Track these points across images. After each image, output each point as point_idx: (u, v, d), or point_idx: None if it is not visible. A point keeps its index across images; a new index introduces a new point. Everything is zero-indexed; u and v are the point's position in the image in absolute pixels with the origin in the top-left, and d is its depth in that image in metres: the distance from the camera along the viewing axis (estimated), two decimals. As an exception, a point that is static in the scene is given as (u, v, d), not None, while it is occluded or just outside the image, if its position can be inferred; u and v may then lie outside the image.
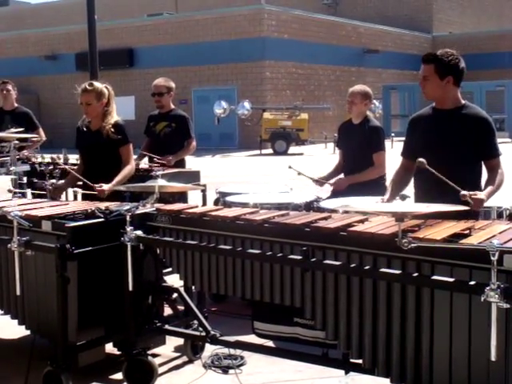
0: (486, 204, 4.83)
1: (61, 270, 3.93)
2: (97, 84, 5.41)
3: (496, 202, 4.95)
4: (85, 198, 5.38)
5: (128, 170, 5.41)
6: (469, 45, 38.79)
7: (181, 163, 7.01)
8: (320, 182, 6.08)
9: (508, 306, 2.69)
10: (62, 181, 5.82)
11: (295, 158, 22.36)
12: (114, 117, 5.40)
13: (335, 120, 30.22)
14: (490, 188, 4.08)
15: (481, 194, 3.91)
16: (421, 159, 3.90)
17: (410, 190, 4.46)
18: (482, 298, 2.71)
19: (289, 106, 27.68)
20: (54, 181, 5.69)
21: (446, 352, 2.96)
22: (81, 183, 5.58)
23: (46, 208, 4.51)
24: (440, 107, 4.29)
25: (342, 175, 6.10)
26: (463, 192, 3.73)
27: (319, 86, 32.84)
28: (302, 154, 25.37)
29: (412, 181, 4.48)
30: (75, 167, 6.03)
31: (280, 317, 4.01)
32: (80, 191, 5.31)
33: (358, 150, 5.92)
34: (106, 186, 5.14)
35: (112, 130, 5.32)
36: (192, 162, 8.92)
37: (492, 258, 2.67)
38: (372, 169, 5.86)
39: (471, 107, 4.28)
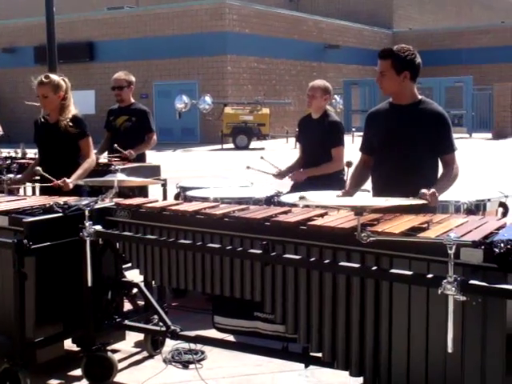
0: (443, 198, 4.91)
1: (18, 266, 3.87)
2: (53, 76, 5.35)
3: (454, 197, 5.02)
4: (43, 191, 5.30)
5: (89, 163, 5.36)
6: (428, 41, 39.27)
7: (141, 157, 6.98)
8: (279, 175, 6.11)
9: (464, 298, 2.73)
10: (19, 175, 5.74)
11: (256, 154, 22.38)
12: (72, 110, 5.34)
13: (296, 115, 30.25)
14: (442, 183, 4.12)
15: (432, 189, 3.94)
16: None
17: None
18: (440, 291, 2.74)
19: (250, 101, 27.68)
20: (11, 175, 5.61)
21: (405, 344, 2.99)
22: (38, 177, 5.51)
23: (2, 203, 4.44)
24: (397, 102, 4.32)
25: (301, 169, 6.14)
26: (423, 190, 3.76)
27: (280, 81, 32.91)
28: (263, 148, 25.38)
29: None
30: (33, 161, 5.95)
31: (240, 311, 4.02)
32: (38, 185, 5.22)
33: (317, 144, 5.97)
34: (68, 180, 5.09)
35: (70, 123, 5.25)
36: (153, 157, 8.87)
37: (449, 252, 2.70)
38: (330, 163, 5.91)
39: (428, 102, 4.31)
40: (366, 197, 4.39)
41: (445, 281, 2.73)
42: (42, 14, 15.39)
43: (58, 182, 5.05)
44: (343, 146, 5.95)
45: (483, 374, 2.78)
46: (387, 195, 3.65)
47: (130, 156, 6.68)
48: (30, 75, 5.49)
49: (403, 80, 4.19)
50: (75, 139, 5.31)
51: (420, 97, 4.31)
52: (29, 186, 6.71)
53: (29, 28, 33.09)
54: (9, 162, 6.99)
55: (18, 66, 32.66)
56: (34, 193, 6.61)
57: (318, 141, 5.96)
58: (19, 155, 7.29)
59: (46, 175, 5.11)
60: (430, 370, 2.93)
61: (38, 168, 5.18)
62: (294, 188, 5.98)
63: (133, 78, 7.16)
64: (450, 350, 2.76)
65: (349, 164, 5.54)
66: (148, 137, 7.06)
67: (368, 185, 4.53)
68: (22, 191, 5.86)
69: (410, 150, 4.19)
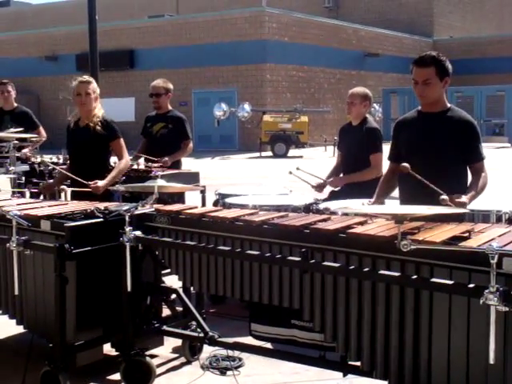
0: (484, 207, 4.85)
1: (59, 270, 3.92)
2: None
3: (495, 206, 4.96)
4: (75, 195, 5.38)
5: (123, 164, 5.44)
6: (469, 49, 38.88)
7: (177, 164, 7.02)
8: (319, 187, 6.09)
9: (507, 309, 2.69)
10: (51, 180, 5.84)
11: (295, 162, 22.36)
12: (101, 113, 5.46)
13: (335, 123, 30.25)
14: (472, 191, 4.08)
15: (463, 198, 3.90)
16: (404, 164, 3.92)
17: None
18: (481, 301, 2.71)
19: (289, 109, 27.68)
20: (51, 181, 5.71)
21: (445, 354, 2.96)
22: (69, 181, 5.59)
23: (45, 208, 4.50)
24: (426, 110, 4.29)
25: (341, 175, 6.13)
26: (443, 196, 3.73)
27: (319, 89, 32.85)
28: (301, 156, 25.37)
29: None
30: (65, 166, 6.05)
31: (277, 319, 4.01)
32: (68, 189, 5.29)
33: (356, 151, 5.96)
34: (100, 183, 5.16)
35: (99, 124, 5.36)
36: (192, 164, 8.92)
37: (491, 261, 2.67)
38: (368, 170, 5.89)
39: (456, 110, 4.28)
40: (400, 205, 4.36)
41: (487, 291, 2.69)
42: (83, 23, 15.61)
43: (90, 183, 5.12)
44: (381, 153, 5.91)
45: (525, 386, 2.74)
46: (415, 204, 3.63)
47: (165, 163, 6.72)
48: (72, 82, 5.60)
49: (443, 86, 4.16)
50: (106, 141, 5.39)
51: (449, 105, 4.28)
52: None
53: (71, 36, 33.56)
54: (50, 167, 7.10)
55: (60, 73, 33.10)
56: (59, 195, 6.67)
57: (357, 147, 5.95)
58: (61, 161, 7.38)
59: (76, 178, 5.18)
60: (471, 381, 2.89)
61: (64, 187, 5.28)
62: (332, 195, 5.97)
63: (171, 86, 7.22)
64: (491, 361, 2.71)
65: None
66: (184, 144, 7.10)
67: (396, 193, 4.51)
68: (62, 196, 5.95)
69: (438, 158, 4.17)
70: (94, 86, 5.45)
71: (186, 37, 31.55)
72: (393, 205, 4.41)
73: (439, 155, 4.17)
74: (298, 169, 5.96)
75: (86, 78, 5.48)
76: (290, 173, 5.92)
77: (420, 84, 4.17)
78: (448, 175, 4.14)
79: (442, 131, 4.17)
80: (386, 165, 5.51)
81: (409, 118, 4.45)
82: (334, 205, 4.91)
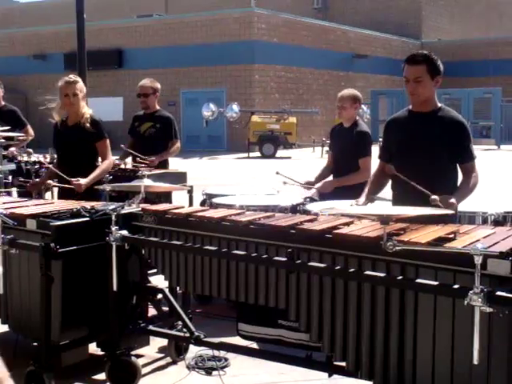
0: (470, 209, 4.88)
1: (45, 269, 3.91)
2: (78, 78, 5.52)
3: (481, 208, 4.99)
4: (61, 193, 5.36)
5: (106, 164, 5.44)
6: (457, 52, 39.05)
7: (164, 164, 7.01)
8: (307, 187, 6.10)
9: (491, 309, 2.70)
10: (37, 179, 5.82)
11: (283, 162, 22.38)
12: (89, 112, 5.46)
13: (323, 124, 30.34)
14: (462, 191, 4.10)
15: (452, 198, 3.92)
16: (390, 166, 3.94)
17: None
18: (466, 302, 2.72)
19: (277, 110, 27.72)
20: (37, 180, 5.69)
21: (430, 355, 2.97)
22: (56, 179, 5.57)
23: (31, 206, 4.49)
24: (417, 110, 4.29)
25: (330, 177, 6.14)
26: (433, 197, 3.75)
27: (308, 90, 32.89)
28: (289, 157, 25.39)
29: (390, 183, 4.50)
30: (51, 165, 6.03)
31: (264, 319, 4.01)
32: (54, 184, 5.29)
33: (346, 153, 5.97)
34: (83, 181, 5.15)
35: (88, 122, 5.34)
36: (179, 164, 8.91)
37: (476, 262, 2.68)
38: (357, 173, 5.88)
39: (447, 110, 4.28)
40: (387, 206, 4.37)
41: (471, 292, 2.71)
42: (72, 22, 15.55)
43: (72, 180, 5.12)
44: (370, 157, 5.92)
45: (509, 387, 2.75)
46: (407, 203, 3.65)
47: (152, 163, 6.71)
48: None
49: (435, 85, 4.18)
50: (92, 141, 5.38)
51: (440, 104, 4.29)
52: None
53: (59, 35, 33.44)
54: (37, 166, 7.07)
55: (48, 72, 32.96)
56: (46, 191, 6.63)
57: (347, 150, 5.96)
58: (48, 160, 7.35)
59: (63, 175, 5.18)
60: (455, 381, 2.91)
61: (50, 182, 5.26)
62: (321, 196, 5.98)
63: (158, 86, 7.22)
64: (475, 361, 2.73)
65: None
66: (171, 144, 7.10)
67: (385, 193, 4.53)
68: (48, 195, 5.93)
69: (429, 157, 4.17)
70: (80, 85, 5.43)
71: (174, 37, 31.51)
72: (382, 205, 4.42)
73: (430, 155, 4.18)
74: (277, 173, 5.98)
75: (72, 77, 5.45)
76: (278, 173, 5.93)
77: (411, 82, 4.16)
78: (438, 175, 4.15)
79: (432, 131, 4.17)
80: (375, 166, 5.55)
81: (399, 117, 4.46)
82: (320, 206, 4.92)
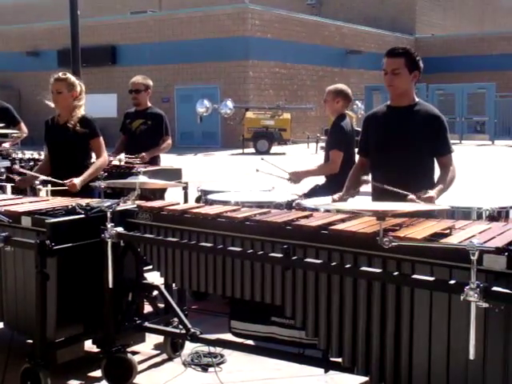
0: (465, 204, 4.89)
1: (40, 267, 3.90)
2: (70, 75, 5.46)
3: (476, 203, 5.00)
4: (55, 192, 5.34)
5: (100, 162, 5.42)
6: (451, 47, 39.13)
7: (155, 160, 7.02)
8: (292, 178, 6.13)
9: (487, 305, 2.70)
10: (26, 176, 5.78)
11: (277, 158, 22.39)
12: (82, 112, 5.40)
13: (318, 120, 30.35)
14: (440, 185, 4.12)
15: (431, 192, 3.94)
16: (366, 178, 4.01)
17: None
18: (462, 297, 2.72)
19: (271, 106, 27.71)
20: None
21: (426, 350, 2.97)
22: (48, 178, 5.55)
23: (25, 204, 4.48)
24: (394, 104, 4.33)
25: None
26: (410, 196, 3.78)
27: (302, 86, 32.90)
28: (284, 153, 25.39)
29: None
30: (40, 162, 6.01)
31: (257, 316, 4.01)
32: (43, 188, 5.22)
33: (326, 145, 6.23)
34: (76, 180, 5.13)
35: (78, 123, 5.31)
36: (174, 160, 8.90)
37: (472, 258, 2.69)
38: (324, 165, 6.11)
39: (424, 104, 4.34)
40: (367, 201, 4.39)
41: (467, 287, 2.71)
42: (65, 18, 15.51)
43: (65, 182, 5.09)
44: (339, 150, 5.95)
45: (505, 382, 2.76)
46: (386, 198, 3.67)
47: (143, 159, 6.72)
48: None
49: (412, 80, 4.21)
50: (85, 140, 5.36)
51: (417, 99, 4.32)
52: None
53: (52, 32, 33.37)
54: (32, 163, 7.05)
55: (41, 69, 32.84)
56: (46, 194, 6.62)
57: (327, 142, 6.22)
58: (42, 157, 7.33)
59: (51, 179, 5.13)
60: (451, 377, 2.91)
61: (41, 176, 5.17)
62: (312, 191, 6.01)
63: (150, 82, 7.23)
64: (471, 356, 2.73)
65: None
66: (162, 140, 7.11)
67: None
68: (43, 193, 5.90)
69: (407, 151, 4.21)
70: (68, 83, 5.37)
71: (168, 33, 31.47)
72: (362, 200, 4.43)
73: (407, 149, 4.22)
74: (262, 159, 6.07)
75: (61, 75, 5.40)
76: (258, 170, 5.98)
77: (389, 74, 4.23)
78: (416, 169, 4.20)
79: (409, 125, 4.22)
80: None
81: (378, 112, 4.51)
82: (316, 202, 4.92)
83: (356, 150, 4.81)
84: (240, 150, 26.54)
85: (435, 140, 4.20)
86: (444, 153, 4.24)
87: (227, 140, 29.74)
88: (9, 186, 6.75)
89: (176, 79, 31.10)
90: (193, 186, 6.28)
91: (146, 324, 4.36)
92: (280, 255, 3.39)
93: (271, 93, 30.90)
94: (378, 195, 4.25)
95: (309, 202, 5.18)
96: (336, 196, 4.47)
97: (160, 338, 4.65)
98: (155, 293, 4.59)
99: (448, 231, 3.19)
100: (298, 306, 3.38)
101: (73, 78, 5.45)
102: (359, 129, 6.24)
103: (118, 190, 5.51)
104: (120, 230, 3.97)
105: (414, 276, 2.98)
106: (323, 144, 7.04)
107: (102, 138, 5.47)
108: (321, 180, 6.22)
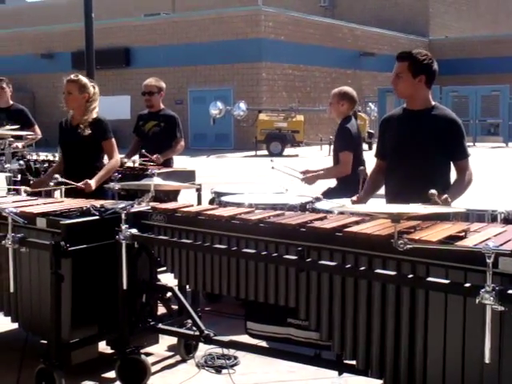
0: (479, 207, 4.87)
1: (55, 268, 3.92)
2: (82, 77, 5.48)
3: (490, 206, 4.97)
4: (67, 193, 5.36)
5: (112, 163, 5.44)
6: (464, 49, 38.97)
7: (168, 162, 7.04)
8: (306, 179, 6.15)
9: (502, 308, 2.69)
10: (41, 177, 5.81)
11: (290, 160, 22.37)
12: (95, 114, 5.42)
13: (331, 122, 30.14)
14: (456, 189, 4.11)
15: (446, 195, 3.91)
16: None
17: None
18: (477, 301, 2.71)
19: (284, 108, 27.70)
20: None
21: (440, 354, 2.96)
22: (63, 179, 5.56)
23: (40, 205, 4.50)
24: (410, 107, 4.32)
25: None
26: (432, 191, 3.73)
27: (315, 88, 32.86)
28: (297, 155, 25.38)
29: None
30: (54, 164, 6.03)
31: (273, 317, 4.00)
32: (63, 187, 5.25)
33: (334, 148, 6.22)
34: (91, 181, 5.14)
35: (91, 124, 5.32)
36: (187, 162, 8.91)
37: (487, 261, 2.67)
38: (335, 167, 6.09)
39: (441, 108, 4.32)
40: (381, 204, 4.38)
41: (483, 290, 2.70)
42: (79, 20, 15.58)
43: (80, 184, 5.11)
44: (349, 151, 5.95)
45: (521, 386, 2.74)
46: (400, 201, 3.65)
47: (157, 161, 6.74)
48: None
49: (418, 83, 4.19)
50: (97, 141, 5.37)
51: (434, 103, 4.31)
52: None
53: (66, 34, 33.51)
54: (46, 165, 7.09)
55: (55, 71, 32.97)
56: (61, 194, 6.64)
57: (334, 146, 6.20)
58: (56, 159, 7.37)
59: (66, 180, 5.15)
60: (466, 381, 2.89)
61: (57, 175, 5.18)
62: (326, 193, 6.01)
63: (163, 85, 7.25)
64: (487, 360, 2.72)
65: None
66: (175, 142, 7.12)
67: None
68: (57, 194, 5.93)
69: (423, 155, 4.20)
70: (80, 84, 5.39)
71: (181, 35, 31.53)
72: (380, 203, 4.42)
73: (423, 152, 4.21)
74: (271, 161, 6.08)
75: (73, 77, 5.42)
76: (273, 168, 6.00)
77: (394, 77, 4.27)
78: (432, 172, 4.18)
79: (426, 129, 4.20)
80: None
81: (394, 115, 4.50)
82: (330, 204, 4.91)
83: (364, 151, 4.81)
84: (253, 152, 26.54)
85: (452, 145, 4.18)
86: (460, 157, 4.23)
87: (240, 142, 29.75)
88: (23, 188, 6.77)
89: (189, 81, 31.16)
90: (206, 188, 6.29)
91: (160, 325, 4.36)
92: (294, 257, 3.39)
93: (284, 95, 30.89)
94: (392, 197, 4.24)
95: (323, 204, 5.17)
96: (355, 197, 4.46)
97: (174, 340, 4.65)
98: (169, 294, 4.60)
99: (463, 234, 3.18)
100: (312, 308, 3.37)
101: (85, 80, 5.47)
102: (372, 131, 6.22)
103: (131, 191, 5.53)
104: (134, 231, 3.98)
105: (429, 279, 2.97)
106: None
107: (114, 140, 5.49)
108: (333, 182, 6.21)
